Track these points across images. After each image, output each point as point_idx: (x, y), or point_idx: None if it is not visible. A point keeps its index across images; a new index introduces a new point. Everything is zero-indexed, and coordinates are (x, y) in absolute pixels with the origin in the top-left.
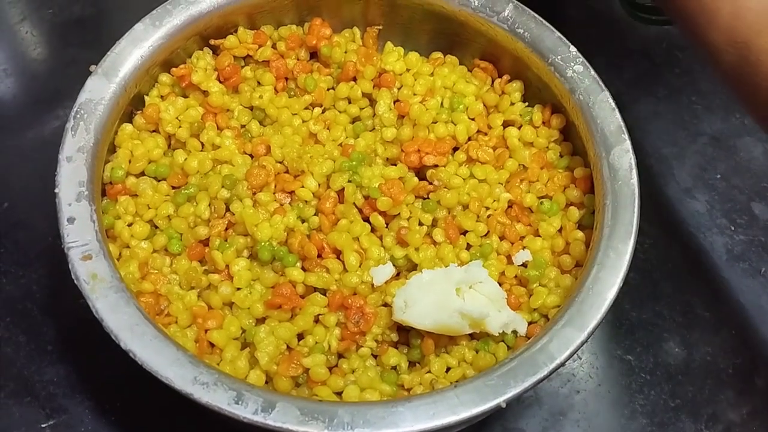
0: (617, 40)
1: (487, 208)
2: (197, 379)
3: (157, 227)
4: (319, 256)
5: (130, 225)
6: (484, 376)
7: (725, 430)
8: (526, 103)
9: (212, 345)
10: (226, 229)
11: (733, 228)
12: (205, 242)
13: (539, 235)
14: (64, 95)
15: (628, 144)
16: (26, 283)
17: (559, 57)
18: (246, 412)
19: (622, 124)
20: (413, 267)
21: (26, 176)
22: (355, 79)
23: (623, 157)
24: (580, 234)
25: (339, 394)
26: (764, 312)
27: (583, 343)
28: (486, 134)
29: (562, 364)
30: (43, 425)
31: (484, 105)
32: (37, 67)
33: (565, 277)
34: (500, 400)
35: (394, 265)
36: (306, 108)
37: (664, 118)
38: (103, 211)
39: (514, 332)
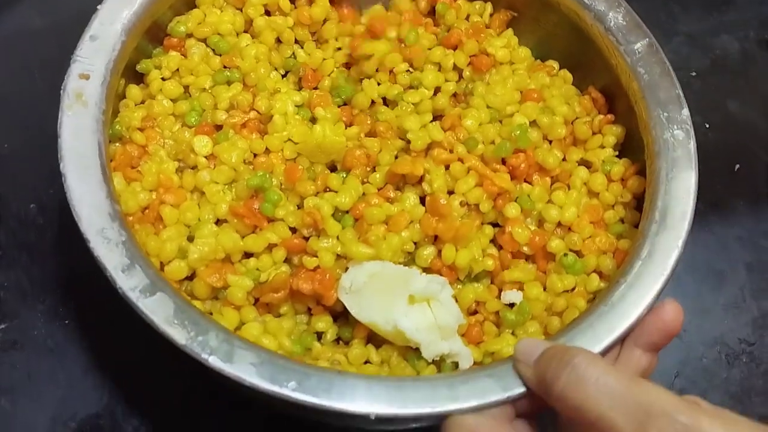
0: None
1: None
2: (103, 231)
3: (190, 95)
4: None
5: (165, 80)
6: (372, 380)
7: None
8: (617, 153)
9: (161, 221)
10: (244, 125)
11: (707, 126)
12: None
13: (544, 287)
14: None
15: (683, 235)
16: None
17: (665, 114)
18: (125, 283)
19: (689, 213)
20: None
21: None
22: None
23: (670, 247)
24: (583, 304)
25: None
26: (736, 210)
27: (498, 403)
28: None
29: (463, 411)
30: None
31: (573, 136)
32: None
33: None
34: (371, 410)
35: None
36: None
37: (641, 18)
38: (151, 56)
39: (455, 363)
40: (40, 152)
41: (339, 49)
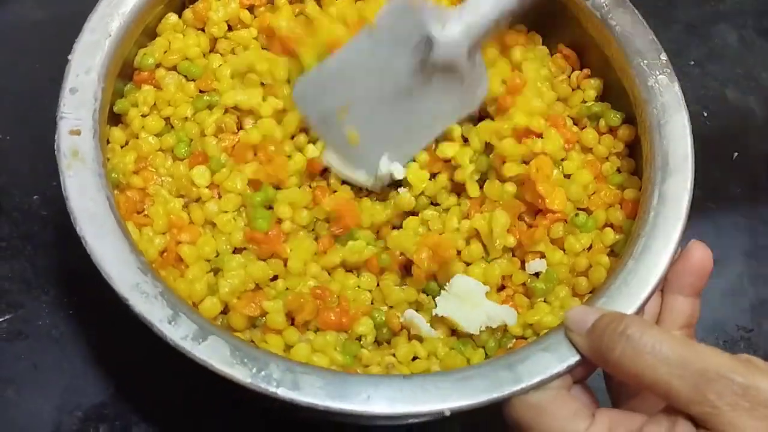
0: None
1: None
2: (138, 287)
3: (173, 127)
4: None
5: (145, 116)
6: (437, 377)
7: None
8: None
9: (180, 260)
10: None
11: (705, 114)
12: None
13: (563, 249)
14: None
15: (689, 176)
16: None
17: (645, 62)
18: (175, 334)
19: (690, 153)
20: None
21: None
22: None
23: (679, 191)
24: (605, 260)
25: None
26: (733, 196)
27: (558, 375)
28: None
29: (527, 390)
30: None
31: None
32: None
33: (574, 300)
34: (444, 407)
35: None
36: None
37: (636, 4)
38: (124, 95)
39: (498, 339)
40: (41, 144)
41: None
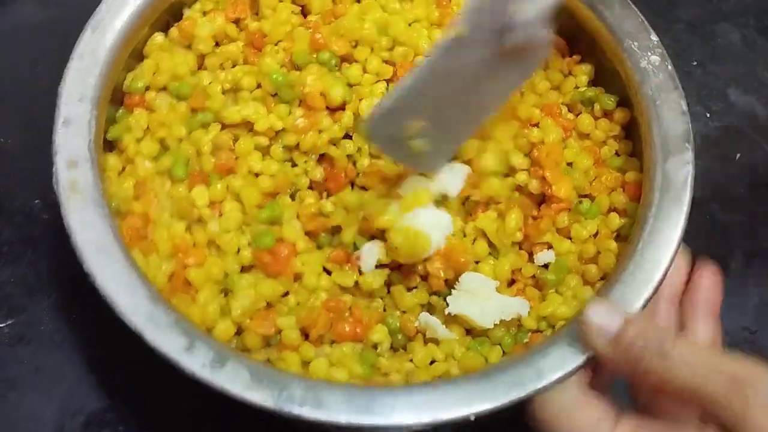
0: None
1: None
2: (152, 318)
3: (167, 149)
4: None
5: (139, 140)
6: (459, 381)
7: None
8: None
9: (189, 284)
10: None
11: (708, 115)
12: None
13: (570, 237)
14: None
15: (690, 155)
16: None
17: (636, 44)
18: (193, 364)
19: (689, 130)
20: None
21: None
22: None
23: (681, 169)
24: (613, 245)
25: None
26: (735, 198)
27: (579, 368)
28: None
29: (550, 387)
30: (1, 325)
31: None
32: None
33: (585, 288)
34: (469, 412)
35: None
36: None
37: (639, 4)
38: (116, 121)
39: (513, 335)
40: (42, 147)
41: None
